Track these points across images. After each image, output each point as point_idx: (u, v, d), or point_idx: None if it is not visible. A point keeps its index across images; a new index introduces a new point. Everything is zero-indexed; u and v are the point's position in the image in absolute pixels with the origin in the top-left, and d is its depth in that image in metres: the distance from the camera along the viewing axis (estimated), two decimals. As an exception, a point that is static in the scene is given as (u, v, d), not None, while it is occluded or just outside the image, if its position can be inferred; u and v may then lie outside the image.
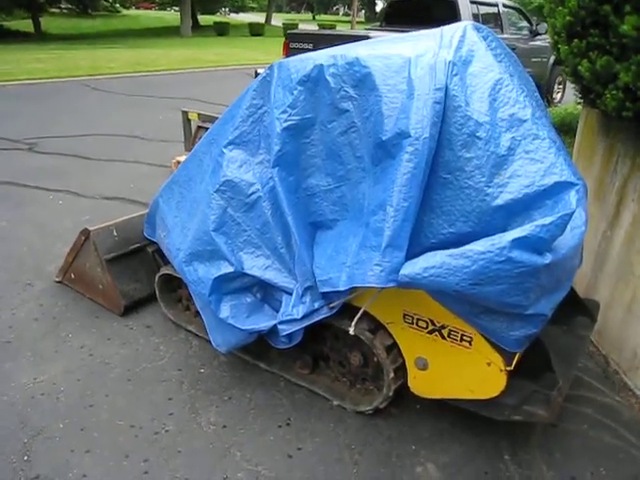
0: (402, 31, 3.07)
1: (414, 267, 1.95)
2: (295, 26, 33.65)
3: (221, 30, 35.78)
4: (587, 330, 2.77)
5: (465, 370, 2.29)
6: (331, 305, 2.40)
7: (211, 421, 2.62)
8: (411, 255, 2.00)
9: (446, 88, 2.01)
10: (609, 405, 2.79)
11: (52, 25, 33.46)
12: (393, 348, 2.50)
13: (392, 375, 2.48)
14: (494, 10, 9.56)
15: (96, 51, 20.33)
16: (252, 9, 56.39)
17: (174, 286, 3.40)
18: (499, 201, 1.95)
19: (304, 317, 2.43)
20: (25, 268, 4.03)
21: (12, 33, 29.62)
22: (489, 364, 2.20)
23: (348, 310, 2.43)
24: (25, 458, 2.37)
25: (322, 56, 2.36)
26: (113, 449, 2.44)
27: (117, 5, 45.50)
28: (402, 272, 1.97)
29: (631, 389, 2.89)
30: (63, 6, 36.09)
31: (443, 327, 2.27)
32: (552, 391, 2.28)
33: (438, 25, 2.41)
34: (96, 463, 2.36)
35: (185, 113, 5.73)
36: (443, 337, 2.29)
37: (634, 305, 2.88)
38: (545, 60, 10.46)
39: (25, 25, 31.64)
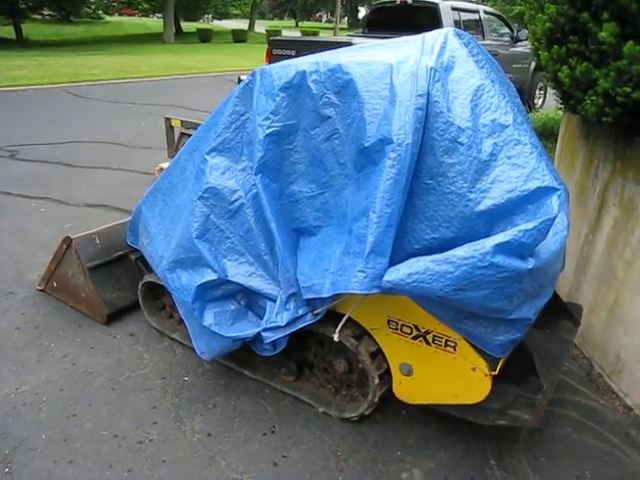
0: (384, 37, 3.09)
1: (397, 273, 1.96)
2: (278, 32, 33.67)
3: (204, 37, 35.75)
4: (571, 334, 2.80)
5: (450, 375, 2.30)
6: (315, 312, 2.40)
7: (196, 429, 2.60)
8: (394, 261, 2.00)
9: (428, 94, 2.01)
10: (593, 408, 2.81)
11: (34, 32, 33.20)
12: (378, 354, 2.49)
13: (377, 381, 2.48)
14: (475, 17, 9.63)
15: (78, 58, 20.21)
16: (235, 16, 56.46)
17: (157, 294, 3.38)
18: (482, 206, 1.96)
19: (288, 324, 2.42)
20: (7, 276, 3.98)
21: (-7, 39, 29.39)
22: (474, 369, 2.21)
23: (332, 317, 2.42)
24: (6, 470, 2.33)
25: (304, 63, 2.36)
26: (96, 459, 2.41)
27: (99, 12, 45.24)
28: (385, 278, 1.97)
29: (615, 392, 2.91)
30: (45, 12, 35.72)
31: (427, 332, 2.27)
32: (537, 395, 2.30)
33: (420, 32, 2.42)
34: (79, 474, 2.33)
35: (168, 120, 5.70)
36: (427, 343, 2.29)
37: (617, 308, 2.90)
38: (526, 66, 10.55)
39: (6, 31, 31.35)
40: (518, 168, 2.00)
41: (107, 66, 17.47)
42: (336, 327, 2.37)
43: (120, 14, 56.38)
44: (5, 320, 3.44)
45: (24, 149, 7.47)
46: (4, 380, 2.89)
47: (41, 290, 3.77)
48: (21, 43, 29.08)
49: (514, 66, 10.02)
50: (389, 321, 2.37)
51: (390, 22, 9.58)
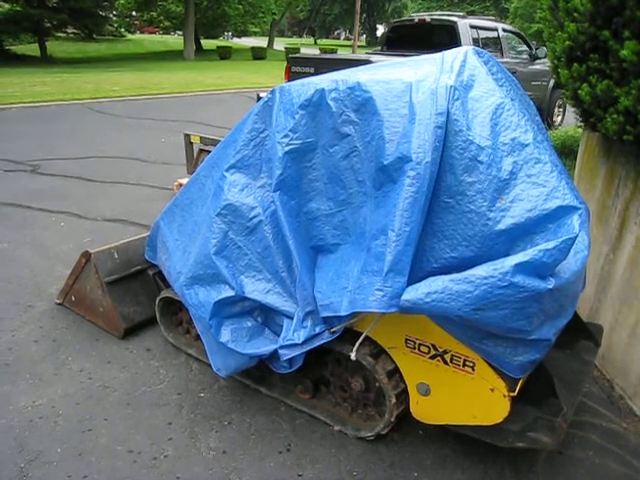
0: (403, 55, 3.09)
1: (416, 292, 1.94)
2: (297, 50, 33.96)
3: (224, 54, 36.18)
4: (591, 355, 2.75)
5: (468, 396, 2.27)
6: (332, 330, 2.38)
7: (211, 446, 2.59)
8: (413, 280, 1.99)
9: (447, 112, 2.01)
10: (615, 431, 2.75)
11: (58, 49, 33.82)
12: (395, 373, 2.47)
13: (394, 400, 2.46)
14: (494, 34, 9.64)
15: (100, 74, 20.52)
16: (254, 33, 56.98)
17: (175, 309, 3.39)
18: (501, 225, 1.94)
19: (305, 342, 2.41)
20: (26, 290, 4.02)
21: (18, 57, 29.96)
22: (492, 390, 2.17)
23: (349, 335, 2.41)
24: (22, 484, 2.33)
25: (324, 81, 2.37)
26: (111, 474, 2.41)
27: (122, 30, 46.03)
28: (404, 297, 1.96)
29: (637, 414, 2.85)
30: (69, 31, 36.29)
31: (445, 352, 2.25)
32: (556, 417, 2.25)
33: (439, 50, 2.42)
34: (94, 490, 2.33)
35: (187, 136, 5.78)
36: (445, 362, 2.27)
37: (639, 329, 2.85)
38: (545, 83, 10.53)
39: (31, 49, 31.99)
40: (538, 187, 1.98)
41: (128, 83, 17.70)
42: (353, 345, 2.36)
43: (142, 32, 57.30)
44: (23, 333, 3.47)
45: (45, 164, 7.58)
46: (21, 393, 2.90)
47: (59, 304, 3.80)
48: (45, 60, 29.62)
49: (533, 84, 10.00)
50: (407, 340, 2.35)
51: (409, 40, 9.63)
